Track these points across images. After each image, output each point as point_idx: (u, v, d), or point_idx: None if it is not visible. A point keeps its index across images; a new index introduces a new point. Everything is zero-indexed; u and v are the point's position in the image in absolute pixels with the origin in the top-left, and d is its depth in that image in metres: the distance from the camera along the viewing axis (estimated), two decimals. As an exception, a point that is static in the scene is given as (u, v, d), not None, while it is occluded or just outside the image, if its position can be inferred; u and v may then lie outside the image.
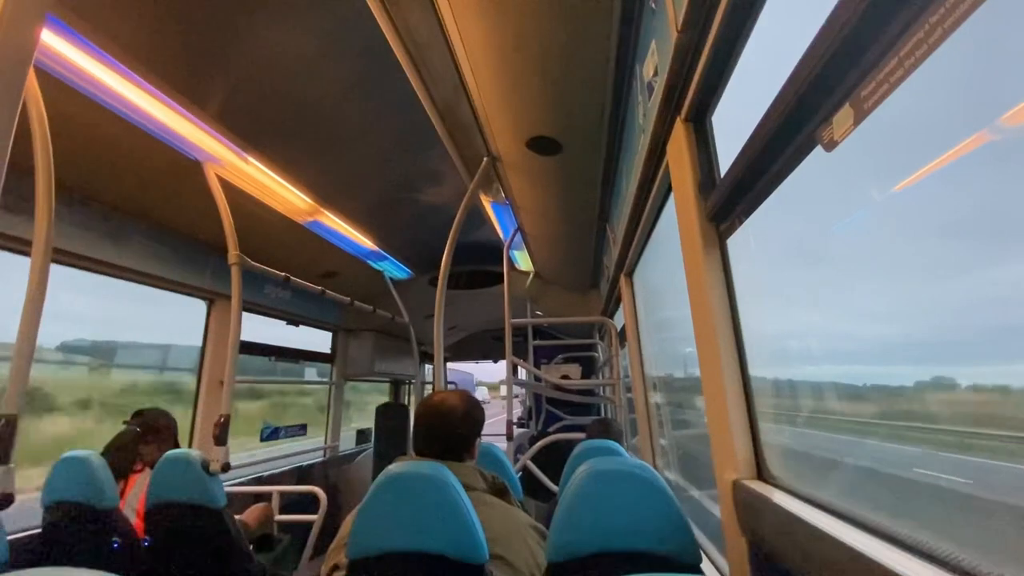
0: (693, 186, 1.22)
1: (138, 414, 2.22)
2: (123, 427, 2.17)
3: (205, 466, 1.90)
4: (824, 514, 0.77)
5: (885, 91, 0.59)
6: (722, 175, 1.12)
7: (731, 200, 1.07)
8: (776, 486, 0.98)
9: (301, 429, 4.21)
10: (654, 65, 1.29)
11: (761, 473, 1.06)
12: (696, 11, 0.97)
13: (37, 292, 1.61)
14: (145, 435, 2.15)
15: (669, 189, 1.53)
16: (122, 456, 2.08)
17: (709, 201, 1.17)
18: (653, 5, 1.23)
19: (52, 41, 1.56)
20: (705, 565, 1.30)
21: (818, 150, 0.77)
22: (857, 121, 0.64)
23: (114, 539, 1.81)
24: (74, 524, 1.80)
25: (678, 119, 1.28)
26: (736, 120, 1.08)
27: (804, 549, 0.75)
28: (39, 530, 1.91)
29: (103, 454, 1.98)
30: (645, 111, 1.47)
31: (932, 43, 0.55)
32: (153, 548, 1.88)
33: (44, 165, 1.64)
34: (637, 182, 1.74)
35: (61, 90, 1.72)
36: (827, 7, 0.65)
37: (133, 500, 2.04)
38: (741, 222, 1.10)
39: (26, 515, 1.95)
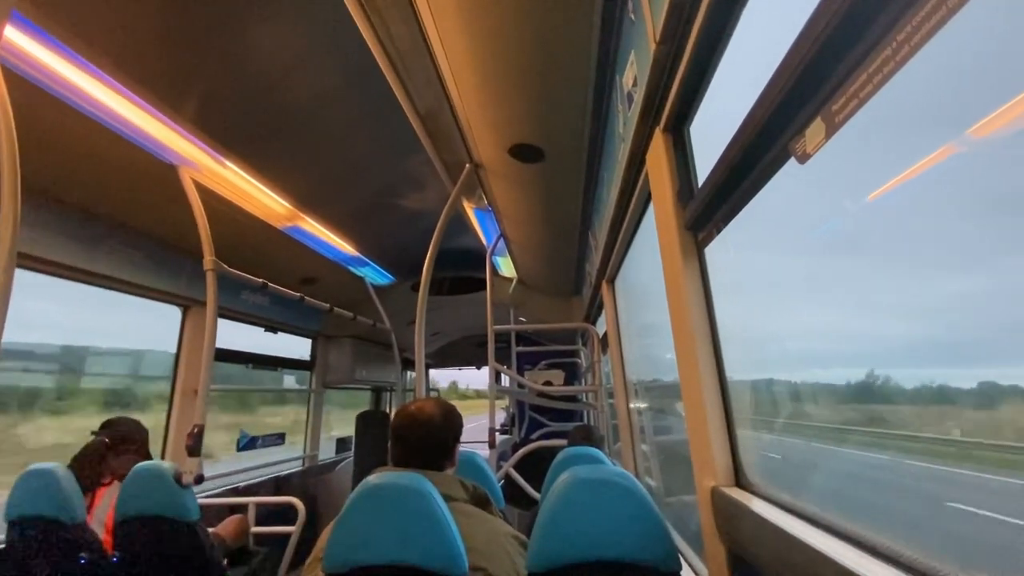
0: (672, 195, 1.23)
1: (107, 424, 2.15)
2: (91, 437, 2.10)
3: (177, 478, 1.85)
4: (801, 521, 0.78)
5: (855, 106, 0.61)
6: (700, 185, 1.13)
7: (709, 209, 1.08)
8: (754, 493, 0.99)
9: (279, 438, 4.13)
10: (633, 75, 1.30)
11: (739, 480, 1.07)
12: (674, 23, 0.99)
13: (1, 299, 1.55)
14: (114, 446, 2.08)
15: (649, 197, 1.55)
16: (90, 468, 2.00)
17: (687, 210, 1.18)
18: (632, 16, 1.25)
19: (19, 39, 1.51)
20: (685, 572, 1.31)
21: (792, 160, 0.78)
22: (828, 135, 0.65)
23: (81, 555, 1.74)
24: (39, 540, 1.73)
25: (657, 129, 1.30)
26: (715, 131, 1.08)
27: (781, 556, 0.76)
28: (2, 546, 1.84)
29: (69, 466, 1.91)
30: (625, 120, 1.48)
31: (900, 59, 0.56)
32: (122, 564, 1.82)
33: (10, 166, 1.58)
34: (618, 190, 1.75)
35: (29, 90, 1.67)
36: (800, 23, 0.67)
37: (101, 514, 1.97)
38: (719, 230, 1.12)
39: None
